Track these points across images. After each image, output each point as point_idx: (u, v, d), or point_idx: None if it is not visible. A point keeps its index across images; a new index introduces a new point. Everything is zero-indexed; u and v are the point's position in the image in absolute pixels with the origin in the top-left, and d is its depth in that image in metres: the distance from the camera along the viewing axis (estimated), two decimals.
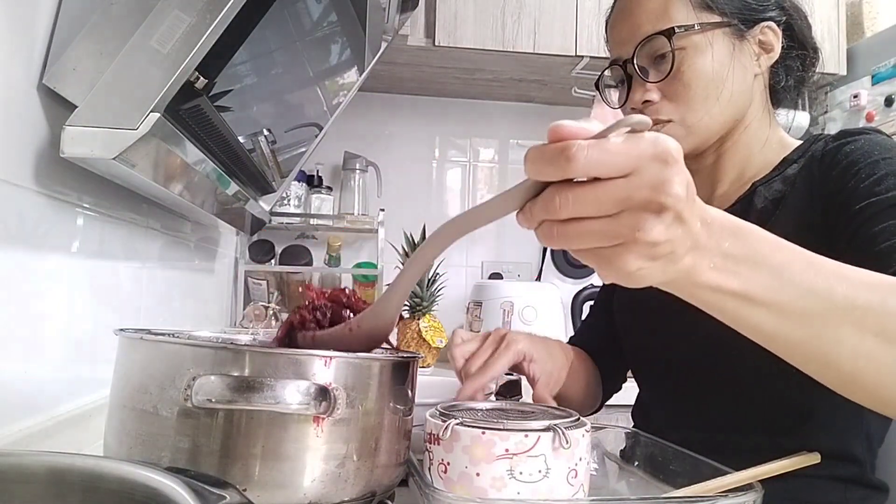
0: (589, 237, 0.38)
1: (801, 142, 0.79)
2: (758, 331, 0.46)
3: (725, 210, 0.85)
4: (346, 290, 0.59)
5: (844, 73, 1.80)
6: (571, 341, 1.02)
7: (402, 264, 1.70)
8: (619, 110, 0.83)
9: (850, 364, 0.45)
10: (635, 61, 0.76)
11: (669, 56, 0.74)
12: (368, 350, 0.56)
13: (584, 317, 1.87)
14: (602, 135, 0.37)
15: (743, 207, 0.76)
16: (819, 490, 0.70)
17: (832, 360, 0.46)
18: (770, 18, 0.76)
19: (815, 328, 0.45)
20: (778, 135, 0.81)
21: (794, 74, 0.80)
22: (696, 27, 0.73)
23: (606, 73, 0.83)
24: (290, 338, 0.58)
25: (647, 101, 0.76)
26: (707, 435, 0.75)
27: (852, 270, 0.46)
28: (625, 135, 0.37)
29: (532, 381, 0.78)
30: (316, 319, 0.58)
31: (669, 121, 0.76)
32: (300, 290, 1.84)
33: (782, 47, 0.77)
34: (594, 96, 1.68)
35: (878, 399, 0.48)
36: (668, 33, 0.73)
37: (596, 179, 0.37)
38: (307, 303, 0.58)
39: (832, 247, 0.61)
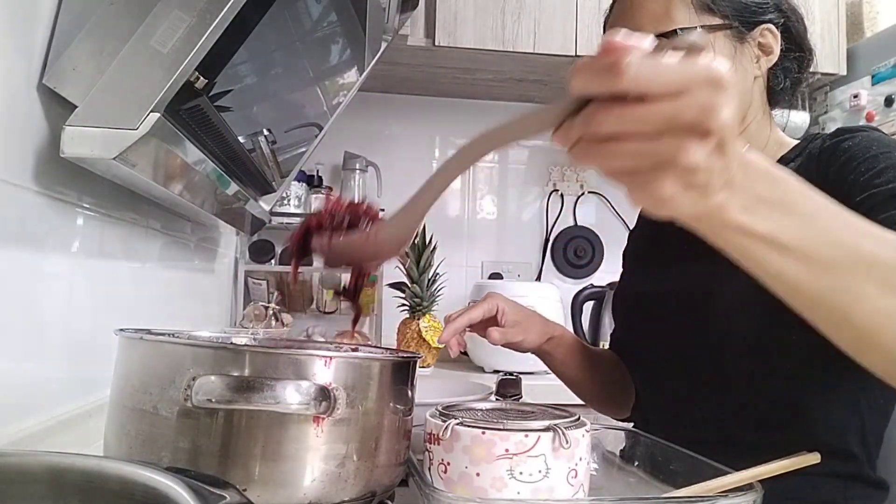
0: (627, 157, 0.37)
1: (798, 141, 0.80)
2: (780, 279, 0.45)
3: None
4: (366, 202, 0.59)
5: (844, 73, 1.80)
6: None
7: (402, 265, 1.71)
8: None
9: (869, 321, 0.45)
10: None
11: None
12: (383, 259, 0.56)
13: (584, 317, 1.89)
14: (656, 51, 0.36)
15: None
16: (819, 488, 0.70)
17: (850, 314, 0.45)
18: (769, 21, 0.77)
19: (838, 280, 0.44)
20: (776, 135, 0.81)
21: (791, 76, 0.81)
22: (698, 29, 0.73)
23: None
24: (305, 241, 0.57)
25: None
26: (705, 433, 0.75)
27: (879, 229, 0.45)
28: (678, 54, 0.36)
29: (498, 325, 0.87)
30: (332, 226, 0.57)
31: None
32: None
33: (780, 49, 0.77)
34: None
35: (891, 360, 0.47)
36: (671, 35, 0.73)
37: (641, 99, 0.36)
38: (326, 209, 0.58)
39: None
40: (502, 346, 0.86)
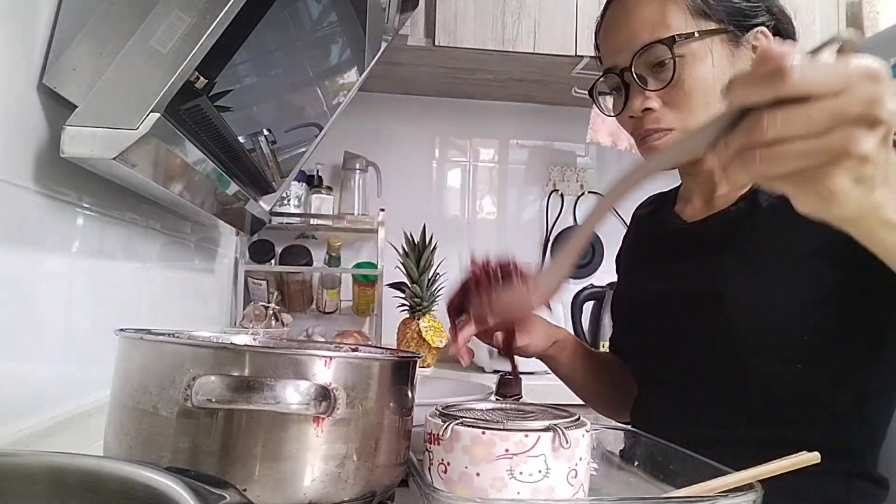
0: (796, 157, 0.38)
1: None
2: None
3: (728, 208, 0.84)
4: (513, 259, 0.60)
5: None
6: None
7: (402, 265, 1.70)
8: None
9: None
10: (633, 69, 0.75)
11: (669, 64, 0.73)
12: (533, 312, 0.58)
13: (584, 317, 1.89)
14: (814, 53, 0.38)
15: (746, 206, 0.77)
16: (822, 486, 0.70)
17: None
18: (761, 23, 0.77)
19: None
20: None
21: None
22: (696, 35, 0.73)
23: (600, 80, 0.83)
24: (462, 300, 0.58)
25: (647, 109, 0.76)
26: (706, 431, 0.75)
27: None
28: (832, 55, 0.38)
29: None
30: (489, 284, 0.58)
31: (671, 129, 0.75)
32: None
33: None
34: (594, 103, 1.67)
35: None
36: (669, 41, 0.73)
37: (803, 101, 0.37)
38: (479, 267, 0.59)
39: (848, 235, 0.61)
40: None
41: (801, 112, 0.37)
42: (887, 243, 0.45)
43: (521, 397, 0.97)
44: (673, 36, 0.73)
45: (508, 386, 0.97)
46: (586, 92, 0.87)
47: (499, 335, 0.77)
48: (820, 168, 0.38)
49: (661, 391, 0.87)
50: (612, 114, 0.83)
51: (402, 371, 0.55)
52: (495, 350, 0.80)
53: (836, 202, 0.39)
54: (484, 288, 0.58)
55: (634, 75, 0.75)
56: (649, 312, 0.86)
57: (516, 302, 0.57)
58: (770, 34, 0.77)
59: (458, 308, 0.61)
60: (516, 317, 0.56)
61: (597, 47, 0.84)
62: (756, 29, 0.76)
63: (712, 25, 0.74)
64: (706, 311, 0.76)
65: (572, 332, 1.88)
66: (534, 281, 0.57)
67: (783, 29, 0.79)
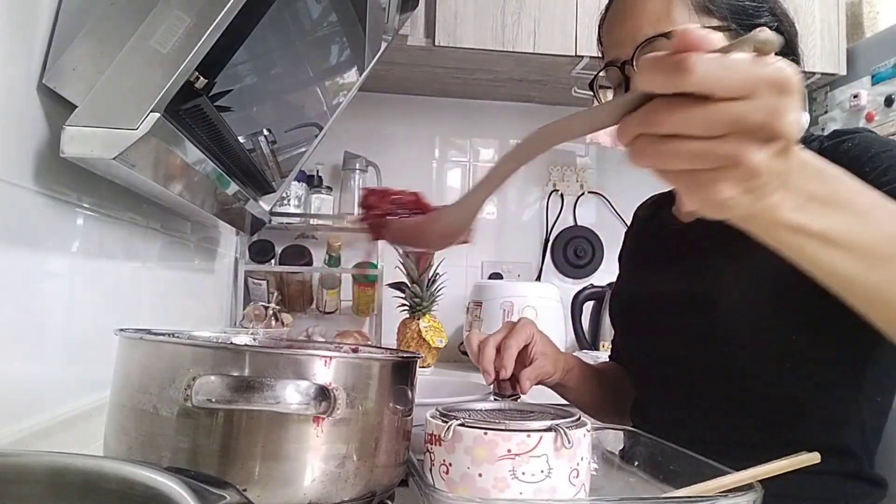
0: (686, 157, 0.36)
1: None
2: (833, 273, 0.45)
3: None
4: (420, 194, 0.60)
5: (844, 73, 1.80)
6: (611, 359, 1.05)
7: (402, 265, 1.71)
8: None
9: None
10: (635, 63, 0.75)
11: None
12: (441, 245, 0.57)
13: (584, 317, 1.89)
14: (725, 50, 0.35)
15: None
16: (819, 486, 0.70)
17: None
18: (764, 24, 0.77)
19: (891, 273, 0.45)
20: None
21: None
22: (766, 28, 0.73)
23: (601, 74, 0.83)
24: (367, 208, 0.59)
25: None
26: (704, 432, 0.75)
27: None
28: (748, 54, 0.36)
29: (529, 362, 0.83)
30: (388, 208, 0.59)
31: None
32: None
33: (774, 52, 0.77)
34: (594, 96, 1.67)
35: None
36: (672, 36, 0.73)
37: (705, 98, 0.35)
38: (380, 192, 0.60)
39: None
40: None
41: (698, 112, 0.35)
42: (789, 244, 0.43)
43: (520, 397, 0.97)
44: (676, 30, 0.73)
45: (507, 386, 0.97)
46: (586, 91, 0.87)
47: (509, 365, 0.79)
48: (709, 173, 0.36)
49: (657, 392, 0.87)
50: None
51: (402, 371, 0.55)
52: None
53: (722, 209, 0.38)
54: (381, 210, 0.59)
55: (636, 69, 0.75)
56: (645, 314, 0.87)
57: (420, 230, 0.57)
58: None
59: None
60: (421, 245, 0.57)
61: (599, 41, 0.84)
62: (758, 29, 0.76)
63: (715, 23, 0.74)
64: (699, 313, 0.76)
65: (572, 332, 1.89)
66: (438, 214, 0.57)
67: (785, 30, 0.79)
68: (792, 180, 0.40)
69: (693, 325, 0.77)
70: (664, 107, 0.36)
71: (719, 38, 0.35)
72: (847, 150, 0.70)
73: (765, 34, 0.36)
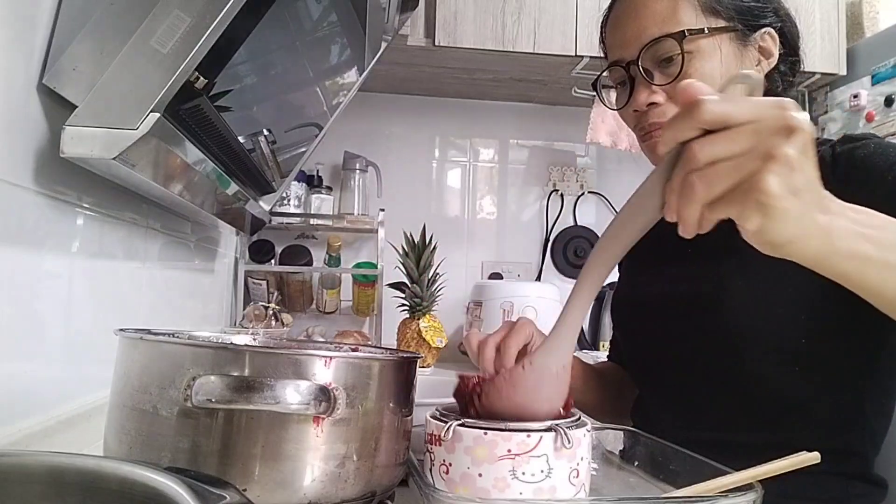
0: (728, 173, 0.42)
1: None
2: (883, 291, 0.49)
3: None
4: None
5: (844, 73, 1.80)
6: (609, 359, 1.05)
7: (402, 265, 1.70)
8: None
9: None
10: (640, 63, 0.75)
11: (677, 59, 0.73)
12: (548, 414, 0.56)
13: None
14: (722, 90, 0.46)
15: None
16: (821, 486, 0.70)
17: None
18: (768, 24, 0.77)
19: None
20: None
21: (785, 80, 0.81)
22: (706, 31, 0.73)
23: (605, 73, 0.83)
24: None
25: (652, 104, 0.76)
26: (707, 433, 0.75)
27: None
28: (743, 93, 0.45)
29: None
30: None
31: None
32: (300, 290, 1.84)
33: (778, 53, 0.78)
34: (594, 96, 1.67)
35: None
36: (679, 36, 0.73)
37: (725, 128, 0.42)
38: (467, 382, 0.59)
39: None
40: None
41: (723, 136, 0.42)
42: (850, 272, 0.47)
43: None
44: (683, 31, 0.73)
45: None
46: (586, 91, 0.87)
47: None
48: (752, 176, 0.41)
49: (660, 393, 0.87)
50: (615, 107, 0.82)
51: (402, 371, 0.55)
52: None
53: (776, 214, 0.42)
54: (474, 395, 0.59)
55: (641, 69, 0.75)
56: (649, 314, 0.86)
57: (515, 386, 0.57)
58: (776, 35, 0.77)
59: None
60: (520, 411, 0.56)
61: (602, 41, 0.84)
62: (763, 30, 0.77)
63: (722, 23, 0.74)
64: (705, 314, 0.76)
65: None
66: (532, 356, 0.58)
67: (788, 31, 0.79)
68: (834, 207, 0.46)
69: (700, 326, 0.77)
70: (695, 144, 0.42)
71: (707, 88, 0.43)
72: (864, 157, 0.70)
73: (746, 72, 0.47)
